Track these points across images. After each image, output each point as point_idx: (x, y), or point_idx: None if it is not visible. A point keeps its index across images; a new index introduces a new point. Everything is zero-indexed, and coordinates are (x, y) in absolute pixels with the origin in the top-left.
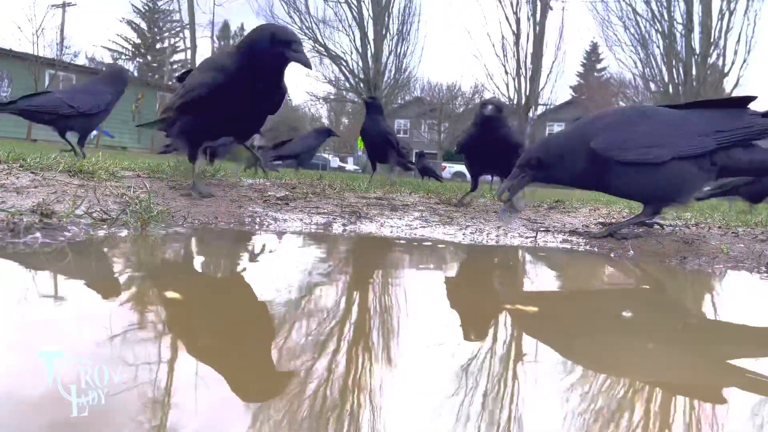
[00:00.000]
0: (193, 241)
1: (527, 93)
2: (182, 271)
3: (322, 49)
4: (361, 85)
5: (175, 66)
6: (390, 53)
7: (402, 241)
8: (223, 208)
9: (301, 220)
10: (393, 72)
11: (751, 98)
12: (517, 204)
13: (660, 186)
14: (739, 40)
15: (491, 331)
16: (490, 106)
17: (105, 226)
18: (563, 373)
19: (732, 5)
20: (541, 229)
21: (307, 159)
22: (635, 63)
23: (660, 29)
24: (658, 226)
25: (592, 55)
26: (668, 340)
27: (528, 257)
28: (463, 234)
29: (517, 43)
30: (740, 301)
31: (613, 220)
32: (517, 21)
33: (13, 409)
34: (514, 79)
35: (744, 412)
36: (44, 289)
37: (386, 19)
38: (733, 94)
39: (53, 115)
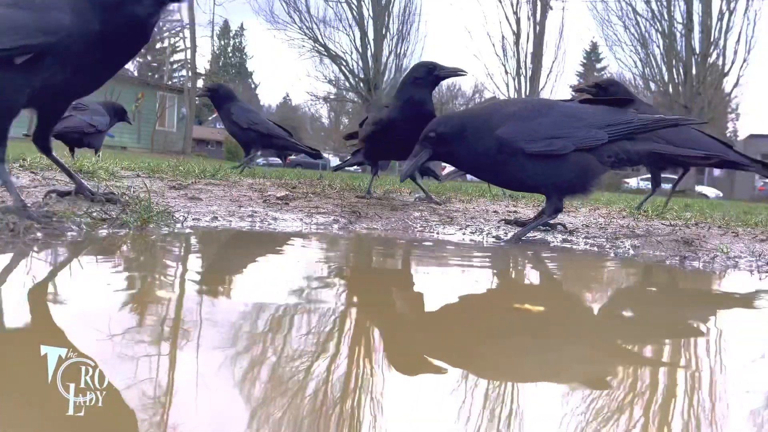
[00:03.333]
0: (193, 240)
1: (527, 93)
2: (181, 271)
3: (322, 48)
4: (361, 84)
5: (175, 66)
6: (390, 53)
7: (402, 241)
8: (223, 207)
9: (302, 219)
10: (393, 72)
11: (630, 101)
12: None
13: (564, 177)
14: (739, 40)
15: (495, 330)
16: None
17: (105, 226)
18: (566, 373)
19: (732, 5)
20: (541, 228)
21: (384, 165)
22: (635, 63)
23: (660, 29)
24: (561, 227)
25: (592, 55)
26: (667, 340)
27: (528, 257)
28: (463, 234)
29: (517, 43)
30: (740, 301)
31: (520, 216)
32: (517, 21)
33: (13, 408)
34: (514, 78)
35: (745, 413)
36: (43, 288)
37: (386, 18)
38: (733, 94)
39: (81, 133)
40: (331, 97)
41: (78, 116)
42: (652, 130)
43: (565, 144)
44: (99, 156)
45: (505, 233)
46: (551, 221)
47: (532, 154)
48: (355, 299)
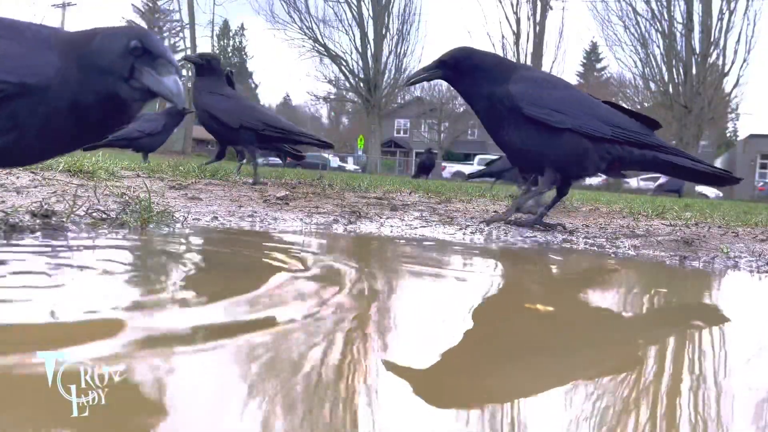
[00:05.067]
0: (192, 240)
1: None
2: (181, 270)
3: (322, 48)
4: (361, 84)
5: None
6: (390, 53)
7: (402, 241)
8: (223, 207)
9: (301, 219)
10: (393, 72)
11: (658, 125)
12: None
13: (556, 152)
14: (739, 40)
15: (500, 329)
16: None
17: (105, 226)
18: (567, 372)
19: (732, 5)
20: (541, 228)
21: (509, 176)
22: (635, 63)
23: (660, 29)
24: (561, 227)
25: (592, 55)
26: (669, 341)
27: (529, 257)
28: (463, 234)
29: (517, 43)
30: (740, 301)
31: (520, 217)
32: (517, 21)
33: (12, 409)
34: None
35: (745, 412)
36: (41, 288)
37: (386, 18)
38: (733, 94)
39: (129, 140)
40: (331, 97)
41: (131, 125)
42: (662, 153)
43: (563, 120)
44: (147, 160)
45: (505, 233)
46: (552, 222)
47: (529, 118)
48: (358, 300)
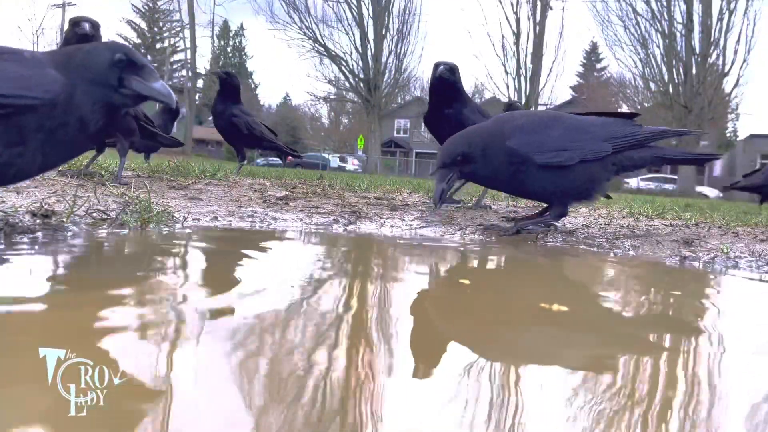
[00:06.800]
0: (193, 240)
1: (527, 93)
2: (181, 270)
3: (322, 49)
4: (361, 84)
5: (175, 66)
6: (390, 53)
7: (403, 241)
8: (223, 207)
9: (302, 220)
10: (393, 72)
11: (636, 114)
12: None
13: (570, 186)
14: (739, 40)
15: (503, 329)
16: (441, 66)
17: (105, 226)
18: (569, 371)
19: (732, 5)
20: (542, 228)
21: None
22: (635, 63)
23: (660, 29)
24: (561, 227)
25: (592, 55)
26: (667, 341)
27: (529, 257)
28: (464, 234)
29: (517, 43)
30: (740, 301)
31: (521, 214)
32: (517, 21)
33: (12, 409)
34: (514, 79)
35: (745, 412)
36: (44, 289)
37: (386, 18)
38: (733, 94)
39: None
40: (331, 97)
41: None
42: (657, 140)
43: (572, 156)
44: (148, 162)
45: (506, 233)
46: (553, 222)
47: (541, 165)
48: (360, 301)
